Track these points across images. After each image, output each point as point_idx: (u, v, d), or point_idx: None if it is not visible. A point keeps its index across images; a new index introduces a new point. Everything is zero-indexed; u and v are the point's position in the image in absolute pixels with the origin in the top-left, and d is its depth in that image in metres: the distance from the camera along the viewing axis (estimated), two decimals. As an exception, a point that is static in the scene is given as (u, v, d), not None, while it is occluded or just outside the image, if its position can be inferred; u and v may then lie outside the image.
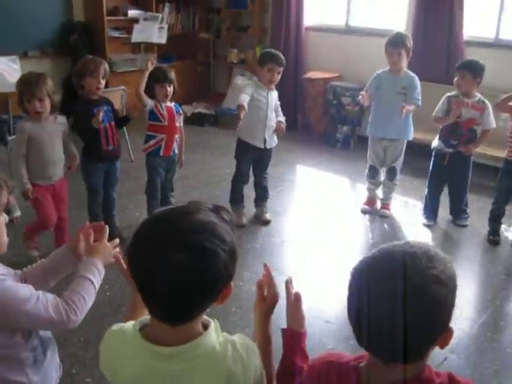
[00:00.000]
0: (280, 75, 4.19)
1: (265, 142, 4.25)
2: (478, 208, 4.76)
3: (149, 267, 1.11)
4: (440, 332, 1.12)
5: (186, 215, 1.14)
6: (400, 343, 1.09)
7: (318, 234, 4.26)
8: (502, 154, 4.46)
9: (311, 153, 6.17)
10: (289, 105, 6.36)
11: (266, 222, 4.36)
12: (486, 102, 4.29)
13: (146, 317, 1.25)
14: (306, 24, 6.80)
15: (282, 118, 4.32)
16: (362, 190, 5.09)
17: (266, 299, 1.41)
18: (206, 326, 1.21)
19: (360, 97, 4.54)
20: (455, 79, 4.31)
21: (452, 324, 1.13)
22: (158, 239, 1.11)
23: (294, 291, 1.45)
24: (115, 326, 1.29)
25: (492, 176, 4.65)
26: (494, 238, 4.34)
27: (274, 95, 4.28)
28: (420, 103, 4.42)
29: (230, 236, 1.17)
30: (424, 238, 4.29)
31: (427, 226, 4.57)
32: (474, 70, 4.21)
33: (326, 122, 6.64)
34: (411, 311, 1.06)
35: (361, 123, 6.38)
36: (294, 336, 1.43)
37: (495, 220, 4.37)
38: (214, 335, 1.20)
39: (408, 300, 1.06)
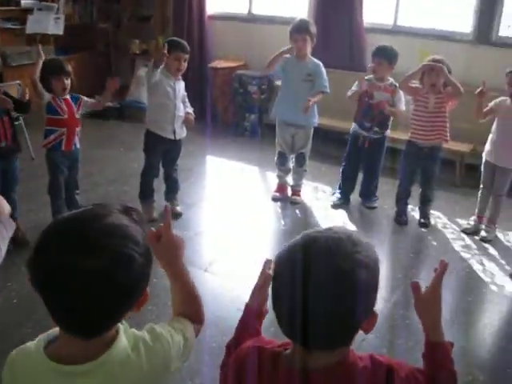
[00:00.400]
0: (186, 63, 4.09)
1: (174, 133, 4.14)
2: (388, 190, 4.90)
3: (56, 278, 0.99)
4: (365, 316, 1.09)
5: (95, 219, 1.04)
6: (326, 330, 1.06)
7: (231, 224, 4.22)
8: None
9: (220, 143, 6.11)
10: (195, 95, 6.24)
11: (178, 215, 4.26)
12: (397, 85, 4.42)
13: (50, 331, 1.13)
14: (208, 12, 6.70)
15: (190, 109, 4.23)
16: (272, 178, 5.11)
17: (163, 243, 1.30)
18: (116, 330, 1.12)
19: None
20: (370, 65, 4.44)
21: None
22: (65, 246, 1.00)
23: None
24: (17, 349, 1.14)
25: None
26: (401, 218, 4.49)
27: (182, 85, 4.18)
28: (328, 90, 4.48)
29: (144, 238, 1.09)
30: (335, 221, 4.38)
31: (336, 205, 4.68)
32: (390, 57, 4.38)
33: (233, 111, 6.60)
34: (337, 297, 1.04)
35: (268, 111, 6.39)
36: (251, 313, 1.39)
37: (401, 201, 4.52)
38: (125, 340, 1.12)
39: (334, 285, 1.04)
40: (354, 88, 4.52)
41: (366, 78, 4.50)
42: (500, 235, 4.35)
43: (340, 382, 1.12)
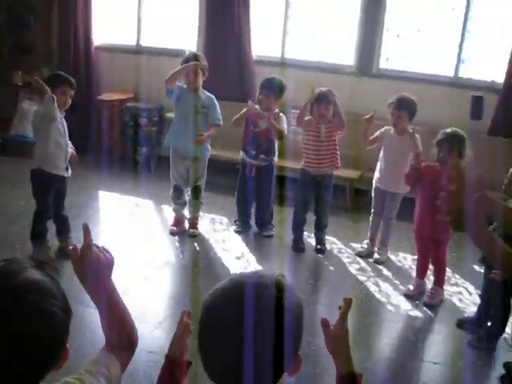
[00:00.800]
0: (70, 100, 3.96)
1: (67, 170, 3.96)
2: (283, 218, 4.98)
3: None
4: (290, 359, 1.07)
5: (10, 276, 0.97)
6: (259, 376, 1.03)
7: (129, 262, 4.05)
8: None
9: (112, 177, 5.92)
10: (83, 129, 6.06)
11: (72, 255, 4.03)
12: (281, 115, 4.56)
13: None
14: (95, 43, 6.54)
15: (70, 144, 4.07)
16: (168, 212, 5.02)
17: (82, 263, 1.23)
18: None
19: None
20: (258, 96, 4.54)
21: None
22: None
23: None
24: None
25: (293, 186, 4.91)
26: (298, 245, 4.57)
27: (64, 122, 3.99)
28: (221, 122, 4.51)
29: (61, 292, 1.04)
30: (234, 252, 4.37)
31: (239, 232, 4.74)
32: (277, 90, 4.50)
33: (124, 145, 6.45)
34: (267, 342, 1.01)
35: (160, 143, 6.33)
36: (174, 363, 1.33)
37: (297, 228, 4.61)
38: None
39: (261, 330, 1.02)
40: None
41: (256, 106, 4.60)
42: (392, 256, 4.57)
43: None
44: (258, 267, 4.16)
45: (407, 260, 4.54)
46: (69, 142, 4.00)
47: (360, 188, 5.61)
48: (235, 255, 4.35)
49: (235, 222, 4.87)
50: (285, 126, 4.56)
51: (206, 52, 5.77)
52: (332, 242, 4.74)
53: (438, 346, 3.44)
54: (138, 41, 6.54)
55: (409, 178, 3.88)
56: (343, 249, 4.67)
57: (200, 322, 1.09)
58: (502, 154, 5.05)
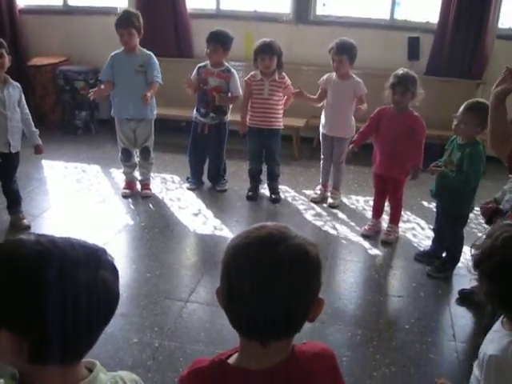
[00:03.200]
0: (6, 59, 3.71)
1: (9, 146, 3.74)
2: (234, 171, 5.00)
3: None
4: (313, 302, 1.11)
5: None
6: (283, 319, 1.06)
7: (86, 229, 3.98)
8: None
9: (53, 145, 5.68)
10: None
11: (26, 228, 3.92)
12: (232, 70, 4.51)
13: None
14: (19, 6, 6.18)
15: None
16: (117, 175, 4.94)
17: None
18: (90, 369, 1.02)
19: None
20: (206, 50, 4.44)
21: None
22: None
23: None
24: None
25: (244, 140, 4.91)
26: (252, 194, 4.63)
27: (14, 91, 3.75)
28: (160, 80, 4.41)
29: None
30: (191, 208, 4.37)
31: (192, 189, 4.72)
32: (225, 43, 4.40)
33: (61, 110, 6.22)
34: (290, 286, 1.04)
35: (98, 107, 6.15)
36: None
37: (254, 178, 4.66)
38: (103, 375, 1.02)
39: (286, 275, 1.04)
40: (193, 74, 4.51)
41: (199, 65, 4.52)
42: (344, 200, 4.69)
43: (300, 371, 1.13)
44: (216, 221, 4.18)
45: (360, 202, 4.68)
46: (19, 113, 3.79)
47: (306, 136, 5.69)
48: (192, 212, 4.35)
49: (187, 179, 4.85)
50: (237, 82, 4.52)
51: (137, 8, 5.57)
52: (285, 191, 4.81)
53: (399, 280, 3.60)
54: (65, 0, 6.22)
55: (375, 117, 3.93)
56: (297, 196, 4.75)
57: (230, 269, 1.10)
58: (440, 92, 5.24)
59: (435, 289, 3.44)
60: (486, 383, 1.53)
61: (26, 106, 3.89)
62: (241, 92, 4.54)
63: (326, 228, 4.19)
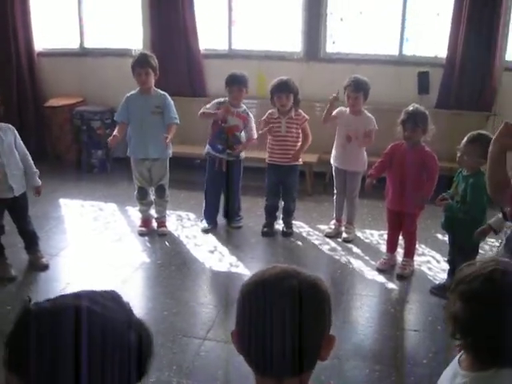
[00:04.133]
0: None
1: (13, 190, 3.74)
2: (248, 207, 5.05)
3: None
4: (324, 337, 1.14)
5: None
6: (296, 354, 1.10)
7: (104, 267, 4.04)
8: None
9: (69, 183, 5.83)
10: (33, 138, 5.93)
11: (44, 267, 3.98)
12: (250, 114, 4.64)
13: None
14: (37, 50, 6.37)
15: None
16: (133, 213, 5.00)
17: None
18: None
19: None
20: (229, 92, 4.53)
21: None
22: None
23: None
24: None
25: (257, 176, 4.97)
26: (267, 229, 4.68)
27: (6, 135, 3.69)
28: (178, 121, 4.51)
29: None
30: (207, 247, 4.40)
31: (207, 230, 4.72)
32: (247, 85, 4.54)
33: (77, 149, 6.34)
34: (301, 317, 1.09)
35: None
36: None
37: (271, 214, 4.72)
38: None
39: (298, 307, 1.08)
40: (208, 106, 4.60)
41: (218, 101, 4.61)
42: (359, 234, 4.71)
43: None
44: (232, 258, 4.21)
45: (374, 236, 4.69)
46: (17, 157, 3.77)
47: (318, 171, 5.74)
48: (208, 249, 4.38)
49: (202, 220, 4.86)
50: (253, 125, 4.64)
51: (152, 49, 5.73)
52: (299, 226, 4.84)
53: (415, 315, 3.59)
54: (81, 43, 6.41)
55: (379, 169, 4.01)
56: (311, 231, 4.77)
57: (245, 306, 1.15)
58: (450, 125, 5.29)
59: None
60: None
61: (23, 146, 3.84)
62: (255, 136, 4.64)
63: (341, 263, 4.20)
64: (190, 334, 3.23)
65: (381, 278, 3.97)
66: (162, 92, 4.53)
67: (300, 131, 4.51)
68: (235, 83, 4.50)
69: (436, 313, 3.51)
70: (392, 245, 4.14)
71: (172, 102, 4.52)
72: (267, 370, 1.12)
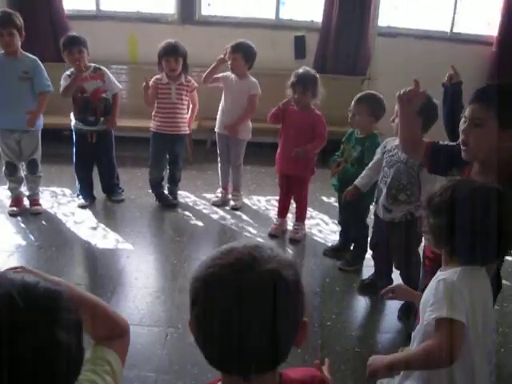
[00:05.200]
0: None
1: None
2: (128, 179, 4.79)
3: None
4: (297, 327, 1.00)
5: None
6: (266, 351, 0.96)
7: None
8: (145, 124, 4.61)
9: None
10: None
11: None
12: (102, 68, 4.29)
13: None
14: None
15: None
16: (2, 192, 4.52)
17: None
18: None
19: None
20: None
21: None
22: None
23: None
24: None
25: (131, 146, 4.72)
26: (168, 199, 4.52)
27: None
28: (51, 88, 4.09)
29: None
30: (86, 223, 4.10)
31: (84, 206, 4.39)
32: (82, 44, 4.14)
33: None
34: (267, 315, 0.93)
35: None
36: None
37: (155, 187, 4.51)
38: None
39: (261, 305, 0.93)
40: (63, 82, 4.20)
41: (66, 73, 4.22)
42: (246, 201, 4.65)
43: None
44: (118, 234, 3.96)
45: (261, 202, 4.67)
46: None
47: (198, 139, 5.59)
48: (90, 226, 4.08)
49: (78, 196, 4.51)
50: (112, 77, 4.35)
51: (10, 8, 5.16)
52: (185, 196, 4.68)
53: (313, 278, 3.61)
54: None
55: (275, 116, 3.84)
56: (198, 201, 4.64)
57: (198, 303, 0.97)
58: (327, 89, 5.35)
59: (349, 282, 3.50)
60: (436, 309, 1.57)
61: None
62: (120, 86, 4.36)
63: (233, 231, 4.12)
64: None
65: (274, 244, 3.94)
66: (32, 56, 4.06)
67: (188, 98, 4.34)
68: (74, 45, 4.10)
69: (332, 274, 3.58)
70: (283, 210, 4.12)
71: (43, 68, 4.08)
72: (233, 370, 0.98)
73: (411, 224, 2.89)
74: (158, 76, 4.28)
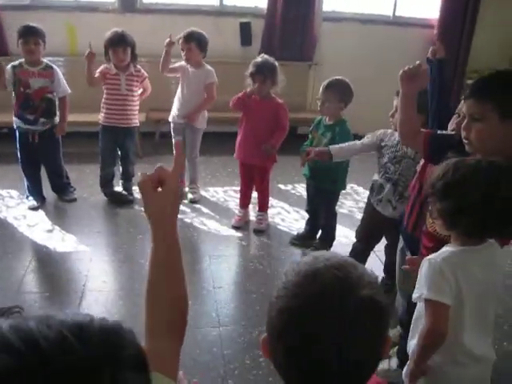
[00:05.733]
0: None
1: None
2: (76, 177, 4.59)
3: None
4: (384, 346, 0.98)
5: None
6: (366, 365, 0.94)
7: None
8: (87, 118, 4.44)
9: None
10: None
11: None
12: (54, 67, 4.06)
13: None
14: None
15: None
16: None
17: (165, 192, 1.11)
18: None
19: None
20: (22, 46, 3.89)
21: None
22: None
23: None
24: None
25: (83, 142, 4.53)
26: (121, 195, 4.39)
27: None
28: None
29: None
30: (42, 225, 3.92)
31: (35, 208, 4.17)
32: (39, 36, 3.88)
33: None
34: (374, 326, 0.92)
35: None
36: None
37: (106, 184, 4.37)
38: None
39: (357, 331, 0.90)
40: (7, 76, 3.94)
41: (13, 64, 3.97)
42: (203, 193, 4.57)
43: None
44: (76, 235, 3.79)
45: (219, 193, 4.61)
46: None
47: (147, 131, 5.44)
48: (45, 228, 3.89)
49: (27, 197, 4.28)
50: (62, 79, 4.10)
51: None
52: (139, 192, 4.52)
53: (283, 266, 3.58)
54: None
55: (239, 102, 3.75)
56: (154, 196, 4.50)
57: (290, 334, 0.92)
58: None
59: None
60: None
61: None
62: (69, 90, 4.15)
63: (195, 225, 4.05)
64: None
65: (239, 236, 3.91)
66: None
67: (138, 89, 4.21)
68: (31, 35, 3.85)
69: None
70: (245, 200, 4.09)
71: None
72: None
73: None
74: (106, 65, 4.11)
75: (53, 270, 3.45)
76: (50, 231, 3.87)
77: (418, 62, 2.06)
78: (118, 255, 3.65)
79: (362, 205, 3.67)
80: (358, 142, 3.14)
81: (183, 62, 4.22)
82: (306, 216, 3.90)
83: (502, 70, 1.96)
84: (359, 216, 3.57)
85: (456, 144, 1.96)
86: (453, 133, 2.12)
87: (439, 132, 2.22)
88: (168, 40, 4.10)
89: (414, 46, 5.41)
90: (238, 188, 4.37)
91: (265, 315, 0.98)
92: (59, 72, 4.08)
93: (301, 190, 4.64)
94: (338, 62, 5.35)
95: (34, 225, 3.94)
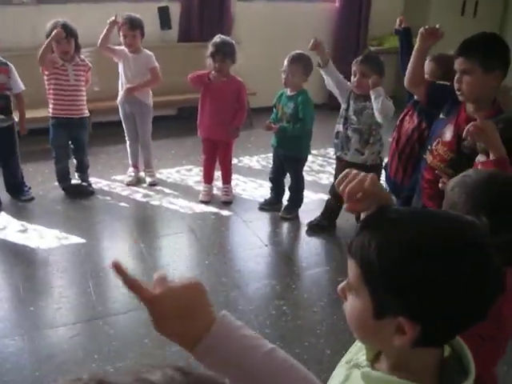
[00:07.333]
0: None
1: None
2: (30, 175, 4.53)
3: None
4: None
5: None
6: None
7: None
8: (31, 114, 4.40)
9: None
10: None
11: None
12: (9, 64, 4.02)
13: None
14: None
15: None
16: None
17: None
18: None
19: None
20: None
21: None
22: None
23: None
24: None
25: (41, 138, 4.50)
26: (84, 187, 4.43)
27: None
28: None
29: None
30: (10, 228, 3.86)
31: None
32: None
33: None
34: None
35: None
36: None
37: (64, 177, 4.39)
38: None
39: None
40: None
41: None
42: (159, 176, 4.72)
43: None
44: (50, 232, 3.80)
45: (173, 174, 4.78)
46: None
47: (98, 121, 5.39)
48: (18, 229, 3.85)
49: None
50: (16, 76, 4.07)
51: None
52: (96, 182, 4.56)
53: (260, 230, 3.92)
54: None
55: (199, 78, 3.96)
56: (111, 184, 4.59)
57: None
58: (195, 57, 5.53)
59: (295, 226, 3.93)
60: None
61: None
62: (23, 87, 4.12)
63: (164, 207, 4.22)
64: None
65: (210, 209, 4.17)
66: None
67: (84, 78, 4.26)
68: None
69: (275, 225, 3.98)
70: (210, 175, 4.32)
71: None
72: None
73: (379, 167, 3.42)
74: (51, 55, 4.09)
75: (51, 268, 3.44)
76: (24, 231, 3.83)
77: (437, 26, 2.54)
78: (106, 243, 3.78)
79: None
80: (341, 76, 3.56)
81: (123, 47, 4.32)
82: (264, 184, 4.28)
83: (486, 32, 2.44)
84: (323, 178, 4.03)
85: (449, 93, 2.44)
86: (447, 84, 2.60)
87: (437, 82, 2.73)
88: (113, 18, 4.18)
89: (319, 19, 5.91)
90: (188, 167, 4.63)
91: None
92: (13, 68, 4.05)
93: (247, 161, 5.00)
94: (254, 40, 5.70)
95: (4, 228, 3.86)
